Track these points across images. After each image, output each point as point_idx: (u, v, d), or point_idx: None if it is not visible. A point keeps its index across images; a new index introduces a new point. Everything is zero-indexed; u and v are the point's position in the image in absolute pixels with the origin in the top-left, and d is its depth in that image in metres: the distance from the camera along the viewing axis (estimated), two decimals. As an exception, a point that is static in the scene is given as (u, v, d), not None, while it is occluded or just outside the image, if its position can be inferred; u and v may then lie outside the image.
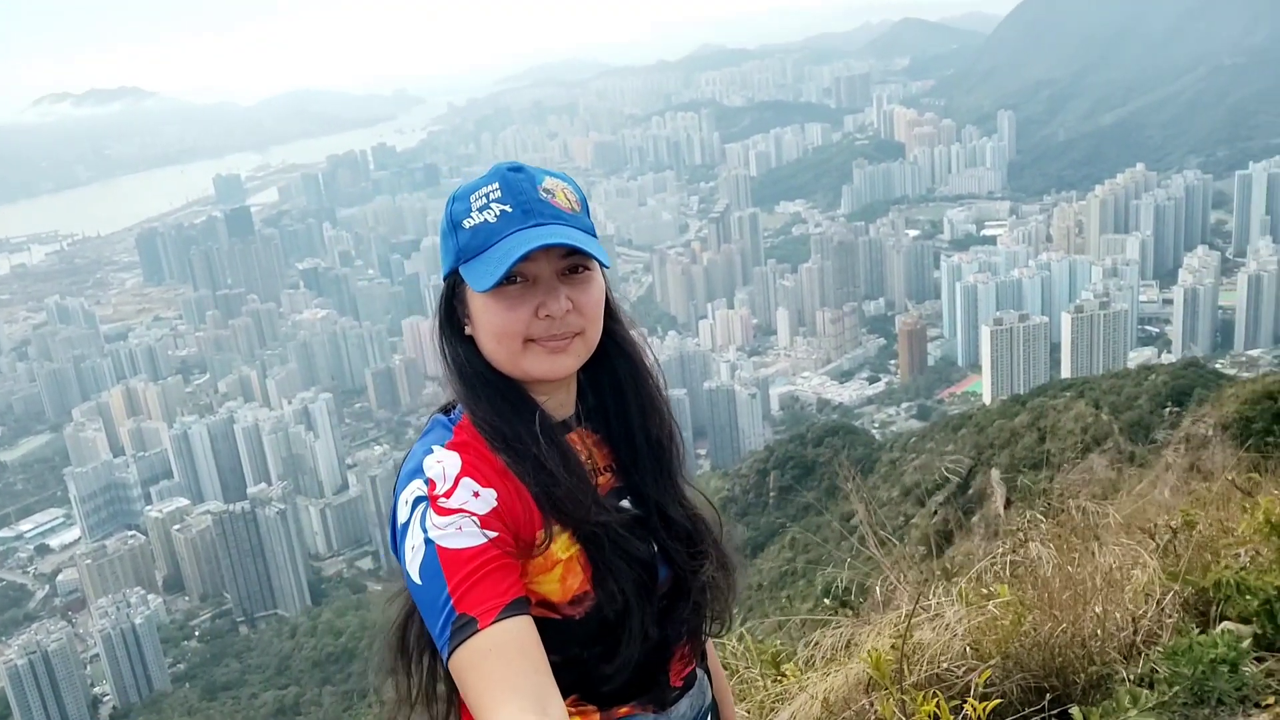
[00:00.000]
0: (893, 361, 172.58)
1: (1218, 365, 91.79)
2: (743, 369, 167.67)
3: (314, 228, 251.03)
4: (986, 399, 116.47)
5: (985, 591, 3.94)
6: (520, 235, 1.76)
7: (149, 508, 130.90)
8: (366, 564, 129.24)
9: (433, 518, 1.68)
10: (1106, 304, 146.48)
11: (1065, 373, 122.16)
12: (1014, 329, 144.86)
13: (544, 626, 1.70)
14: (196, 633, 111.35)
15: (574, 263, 1.83)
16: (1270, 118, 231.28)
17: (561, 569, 1.77)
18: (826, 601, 4.91)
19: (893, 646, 3.67)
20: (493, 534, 1.68)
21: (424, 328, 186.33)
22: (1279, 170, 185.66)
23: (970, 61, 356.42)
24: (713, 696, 2.15)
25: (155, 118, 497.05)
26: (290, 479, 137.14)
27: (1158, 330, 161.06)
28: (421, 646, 1.93)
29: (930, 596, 3.86)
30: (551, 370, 1.84)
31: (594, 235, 1.87)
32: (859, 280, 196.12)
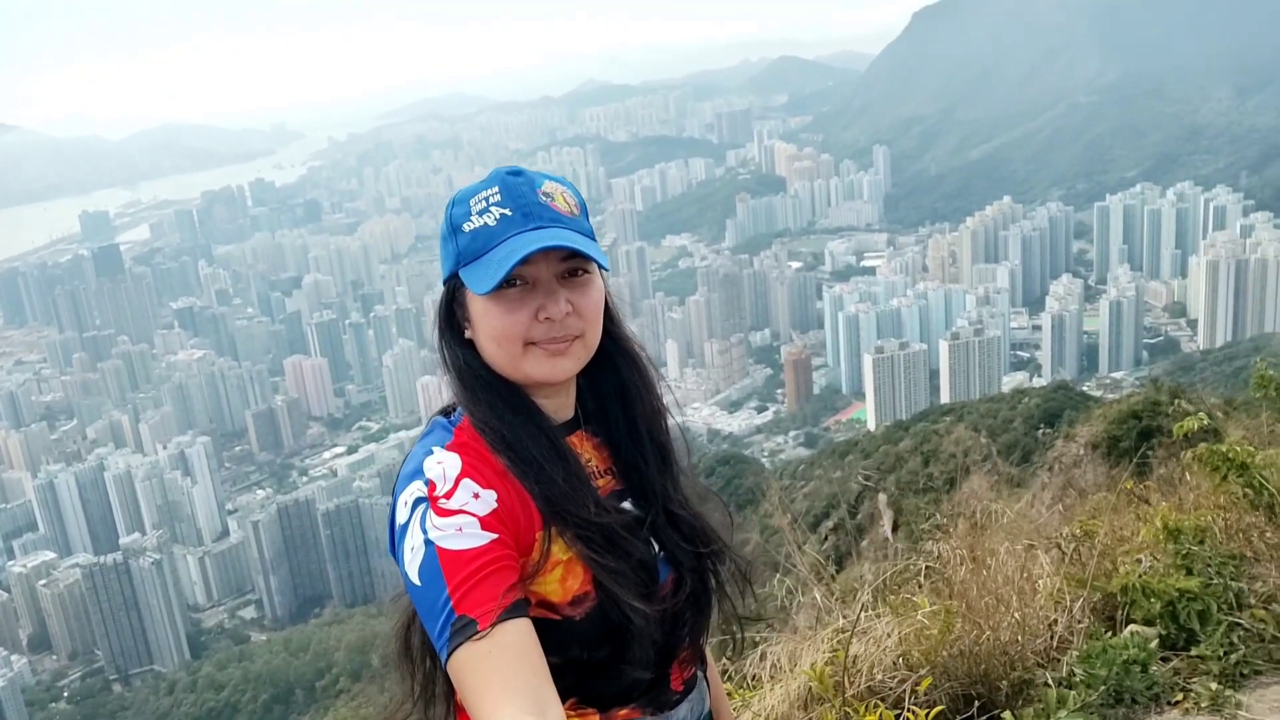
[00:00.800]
0: (780, 391, 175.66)
1: (1085, 387, 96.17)
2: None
3: (189, 266, 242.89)
4: (871, 425, 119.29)
5: (912, 603, 3.98)
6: (520, 238, 1.77)
7: (11, 563, 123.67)
8: (249, 613, 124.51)
9: (433, 519, 1.68)
10: (980, 331, 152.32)
11: (944, 398, 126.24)
12: (895, 356, 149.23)
13: (544, 627, 1.70)
14: (65, 693, 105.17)
15: (573, 266, 1.84)
16: (1123, 152, 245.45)
17: (562, 570, 1.77)
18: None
19: (829, 661, 3.69)
20: (493, 535, 1.67)
21: (307, 366, 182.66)
22: (1134, 202, 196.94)
23: (846, 98, 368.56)
24: (710, 706, 2.13)
25: (15, 152, 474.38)
26: (166, 527, 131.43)
27: (1028, 355, 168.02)
28: (425, 649, 1.92)
29: (858, 611, 3.89)
30: (552, 373, 1.84)
31: (593, 239, 1.88)
32: (745, 312, 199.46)
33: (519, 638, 1.58)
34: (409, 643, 1.96)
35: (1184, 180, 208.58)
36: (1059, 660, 3.74)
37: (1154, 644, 3.65)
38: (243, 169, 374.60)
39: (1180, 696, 3.54)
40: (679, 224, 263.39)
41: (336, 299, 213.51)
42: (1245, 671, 3.68)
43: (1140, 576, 3.91)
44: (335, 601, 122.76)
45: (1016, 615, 3.89)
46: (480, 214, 1.82)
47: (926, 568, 4.34)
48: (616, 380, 2.04)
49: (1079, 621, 3.88)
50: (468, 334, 1.90)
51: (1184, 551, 4.08)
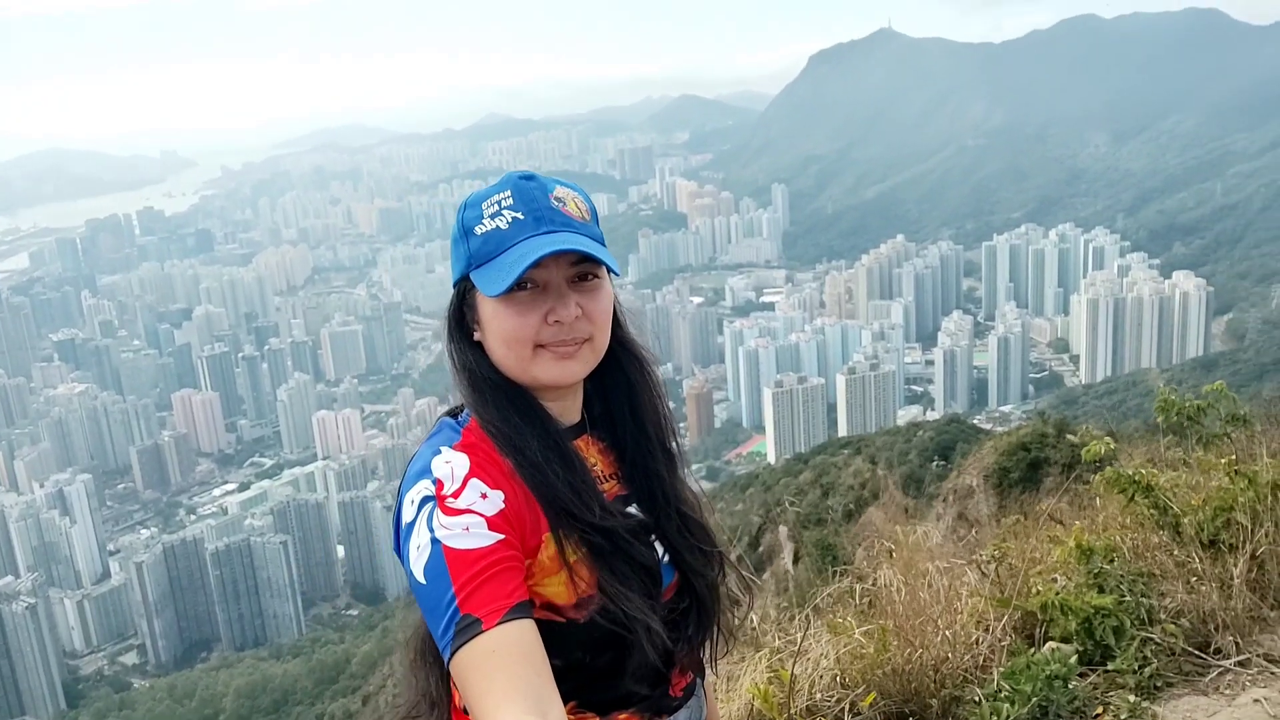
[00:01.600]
0: (682, 424, 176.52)
1: (976, 420, 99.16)
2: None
3: (71, 296, 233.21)
4: (771, 458, 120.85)
5: (847, 623, 4.04)
6: (532, 242, 1.78)
7: None
8: (131, 659, 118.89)
9: (440, 517, 1.68)
10: (876, 365, 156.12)
11: (842, 431, 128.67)
12: (794, 390, 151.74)
13: (548, 629, 1.70)
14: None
15: (584, 270, 1.85)
16: (1009, 194, 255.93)
17: (567, 572, 1.78)
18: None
19: (771, 680, 3.71)
20: (500, 536, 1.67)
21: (197, 401, 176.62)
22: (1019, 242, 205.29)
23: (746, 137, 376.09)
24: (706, 717, 2.14)
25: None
26: (42, 570, 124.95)
27: (922, 389, 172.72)
28: (436, 655, 1.89)
29: (795, 631, 3.94)
30: (561, 376, 1.85)
31: (604, 244, 1.90)
32: (648, 346, 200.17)
33: (523, 638, 1.58)
34: (423, 650, 1.97)
35: (1065, 221, 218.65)
36: (985, 677, 3.83)
37: (1073, 659, 3.76)
38: (130, 197, 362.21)
39: (1100, 710, 3.68)
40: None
41: (229, 331, 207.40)
42: (1159, 684, 3.83)
43: (1058, 595, 4.03)
44: (224, 645, 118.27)
45: (947, 633, 4.00)
46: (493, 217, 1.83)
47: (858, 590, 4.41)
48: (625, 384, 2.05)
49: (1001, 639, 3.99)
50: (476, 336, 1.92)
51: (1096, 570, 4.23)
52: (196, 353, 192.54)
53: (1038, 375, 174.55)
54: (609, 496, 1.93)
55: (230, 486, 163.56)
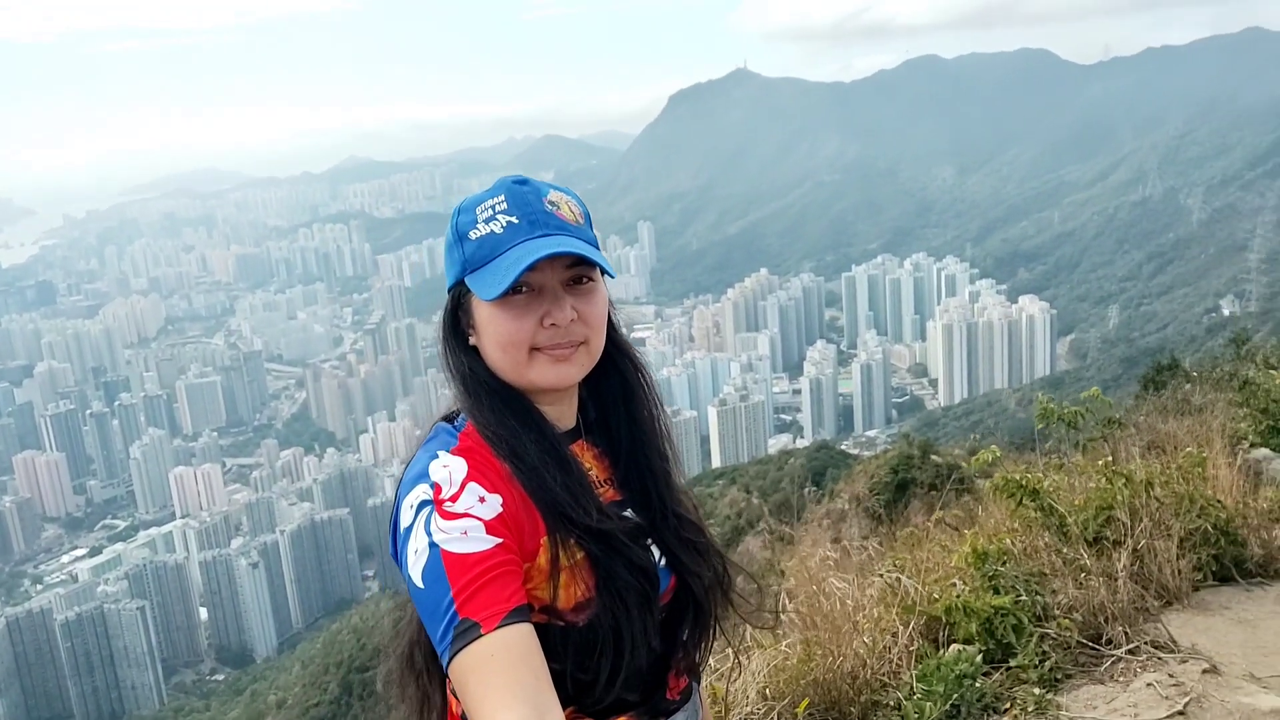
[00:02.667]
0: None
1: (844, 446, 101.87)
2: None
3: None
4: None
5: (773, 638, 4.09)
6: (527, 245, 1.78)
7: None
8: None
9: (438, 522, 1.68)
10: (746, 396, 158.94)
11: (715, 462, 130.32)
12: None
13: (546, 633, 1.70)
14: None
15: (579, 273, 1.85)
16: (865, 226, 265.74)
17: (565, 575, 1.77)
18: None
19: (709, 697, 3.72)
20: (498, 540, 1.67)
21: (41, 463, 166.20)
22: (876, 272, 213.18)
23: (610, 176, 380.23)
24: None
25: None
26: None
27: (791, 418, 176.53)
28: (429, 664, 1.93)
29: (736, 645, 3.96)
30: (557, 379, 1.85)
31: (598, 247, 1.90)
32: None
33: (522, 642, 1.58)
34: (413, 659, 1.97)
35: (918, 251, 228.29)
36: (898, 681, 3.93)
37: (978, 659, 3.90)
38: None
39: (1008, 705, 3.82)
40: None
41: (75, 388, 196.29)
42: (1059, 677, 4.00)
43: (959, 599, 4.17)
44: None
45: (863, 642, 4.10)
46: (487, 221, 1.84)
47: (776, 606, 4.46)
48: (620, 387, 2.04)
49: (909, 645, 4.09)
50: (472, 341, 1.92)
51: (991, 573, 4.39)
52: (39, 411, 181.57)
53: (900, 399, 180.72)
54: (605, 501, 1.92)
55: (80, 552, 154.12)
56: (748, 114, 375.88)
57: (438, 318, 1.99)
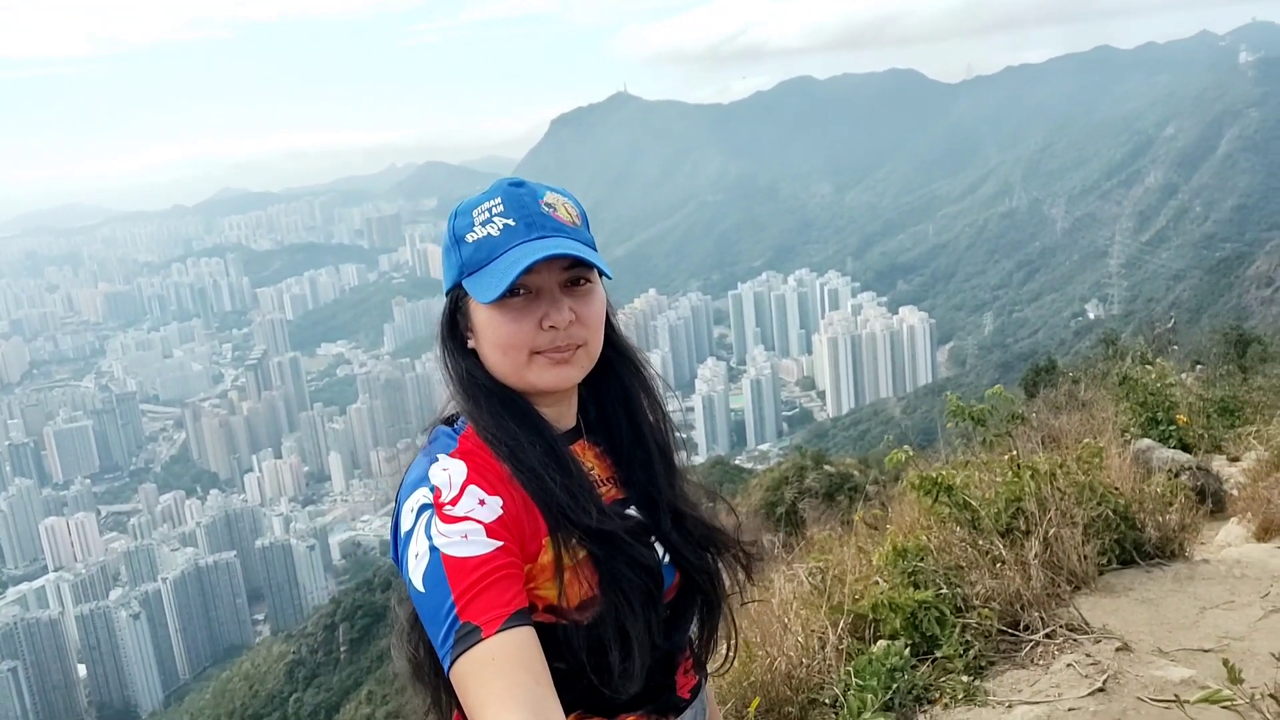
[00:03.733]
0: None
1: (738, 461, 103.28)
2: (298, 521, 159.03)
3: None
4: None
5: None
6: (524, 248, 1.78)
7: None
8: None
9: (438, 525, 1.68)
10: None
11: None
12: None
13: (550, 632, 1.71)
14: None
15: (576, 275, 1.84)
16: (749, 244, 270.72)
17: (568, 575, 1.77)
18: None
19: None
20: (498, 543, 1.67)
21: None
22: (762, 289, 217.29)
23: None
24: None
25: None
26: None
27: (685, 435, 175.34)
28: (434, 663, 1.89)
29: None
30: (556, 381, 1.85)
31: (595, 249, 1.89)
32: (410, 416, 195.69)
33: (523, 646, 1.58)
34: (418, 660, 1.95)
35: (802, 267, 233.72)
36: (832, 679, 4.02)
37: (906, 652, 4.02)
38: None
39: (938, 694, 3.94)
40: (334, 331, 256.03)
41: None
42: (983, 664, 4.14)
43: (884, 595, 4.30)
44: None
45: (800, 640, 4.17)
46: (484, 224, 1.83)
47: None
48: (620, 387, 2.04)
49: (839, 644, 4.19)
50: (470, 344, 1.91)
51: (910, 569, 4.52)
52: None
53: (790, 413, 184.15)
54: (607, 500, 1.92)
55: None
56: (630, 137, 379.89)
57: (438, 319, 1.97)
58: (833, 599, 4.41)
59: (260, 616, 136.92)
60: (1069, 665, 3.98)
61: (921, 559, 4.61)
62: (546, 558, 1.76)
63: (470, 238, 1.84)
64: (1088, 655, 4.02)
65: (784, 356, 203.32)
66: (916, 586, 4.43)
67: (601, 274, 1.88)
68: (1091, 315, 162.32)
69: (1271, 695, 2.75)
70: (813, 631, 4.30)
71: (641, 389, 2.06)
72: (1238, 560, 5.10)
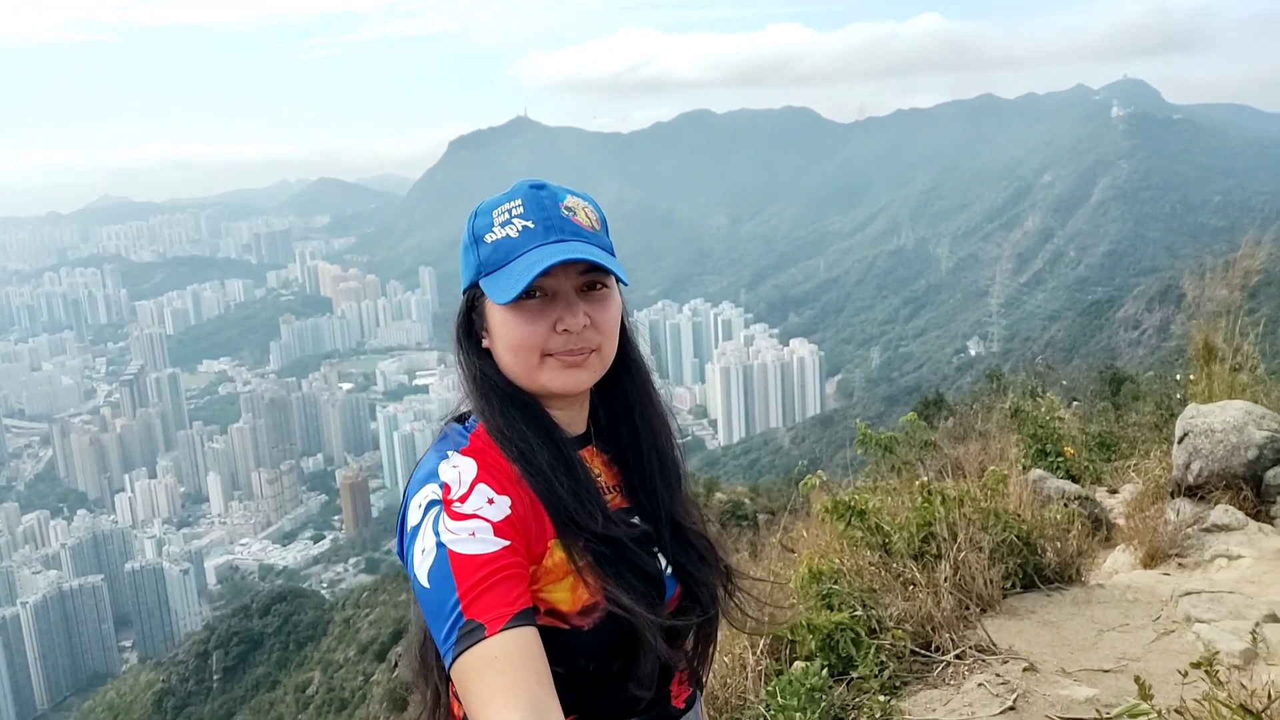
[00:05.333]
0: (337, 517, 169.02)
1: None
2: (171, 543, 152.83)
3: None
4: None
5: None
6: (541, 250, 1.78)
7: None
8: None
9: (446, 522, 1.68)
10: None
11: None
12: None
13: (552, 636, 1.71)
14: None
15: (593, 279, 1.85)
16: (646, 272, 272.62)
17: (573, 579, 1.77)
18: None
19: None
20: (505, 542, 1.67)
21: None
22: (658, 317, 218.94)
23: (390, 220, 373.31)
24: None
25: None
26: None
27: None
28: (439, 661, 1.84)
29: None
30: (568, 385, 1.85)
31: (613, 254, 1.90)
32: (295, 437, 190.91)
33: (525, 646, 1.59)
34: (425, 657, 1.96)
35: (697, 297, 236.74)
36: (752, 700, 4.06)
37: (824, 673, 4.08)
38: None
39: (857, 714, 4.02)
40: (217, 348, 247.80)
41: None
42: (897, 684, 4.24)
43: (802, 616, 4.36)
44: None
45: (721, 661, 4.20)
46: (503, 225, 1.84)
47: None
48: (630, 396, 2.04)
49: (757, 665, 4.23)
50: (485, 344, 1.91)
51: (825, 591, 4.61)
52: None
53: (683, 440, 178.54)
54: (613, 507, 1.92)
55: None
56: (529, 161, 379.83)
57: (454, 318, 1.98)
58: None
59: (128, 643, 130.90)
60: (980, 685, 4.10)
61: (836, 581, 4.70)
62: (551, 560, 1.76)
63: (489, 238, 1.85)
64: (997, 675, 4.15)
65: (678, 384, 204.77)
66: (831, 608, 4.52)
67: (619, 280, 1.89)
68: (973, 352, 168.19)
69: (1177, 710, 2.89)
70: (733, 653, 4.34)
71: (650, 399, 2.06)
72: (1129, 585, 5.34)
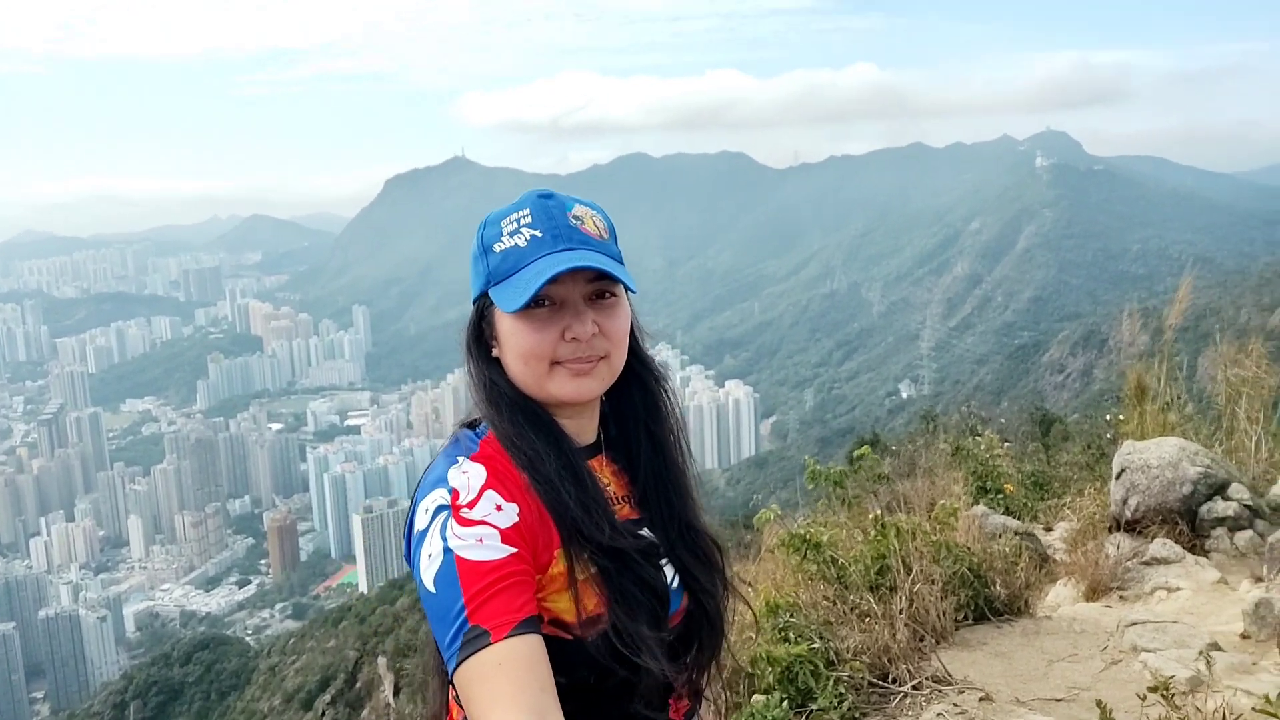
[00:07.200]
0: (264, 561, 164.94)
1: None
2: (89, 589, 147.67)
3: None
4: (364, 588, 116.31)
5: None
6: (550, 259, 1.79)
7: None
8: None
9: (454, 527, 1.68)
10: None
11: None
12: (384, 515, 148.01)
13: (554, 646, 1.69)
14: None
15: (601, 288, 1.85)
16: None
17: (576, 590, 1.76)
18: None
19: None
20: (512, 549, 1.67)
21: None
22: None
23: (323, 258, 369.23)
24: None
25: None
26: None
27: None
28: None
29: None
30: (576, 393, 1.85)
31: (622, 263, 1.91)
32: (222, 478, 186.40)
33: (530, 653, 1.59)
34: (438, 662, 1.93)
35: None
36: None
37: (784, 705, 4.09)
38: None
39: (815, 746, 4.02)
40: (141, 387, 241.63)
41: None
42: (857, 716, 4.26)
43: (762, 649, 4.37)
44: None
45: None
46: (511, 235, 1.85)
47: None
48: (640, 405, 2.03)
49: (717, 699, 4.21)
50: (495, 352, 1.92)
51: (782, 624, 4.63)
52: None
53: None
54: (621, 518, 1.91)
55: None
56: (466, 201, 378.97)
57: (464, 324, 2.00)
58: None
59: (40, 694, 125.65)
60: (939, 715, 4.14)
61: (792, 614, 4.72)
62: (556, 570, 1.76)
63: (498, 247, 1.86)
64: (954, 705, 4.19)
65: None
66: (788, 641, 4.53)
67: (627, 289, 1.90)
68: (904, 394, 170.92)
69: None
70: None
71: (663, 407, 2.06)
72: (1074, 617, 5.45)
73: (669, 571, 1.93)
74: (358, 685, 45.78)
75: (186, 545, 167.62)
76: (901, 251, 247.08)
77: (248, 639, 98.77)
